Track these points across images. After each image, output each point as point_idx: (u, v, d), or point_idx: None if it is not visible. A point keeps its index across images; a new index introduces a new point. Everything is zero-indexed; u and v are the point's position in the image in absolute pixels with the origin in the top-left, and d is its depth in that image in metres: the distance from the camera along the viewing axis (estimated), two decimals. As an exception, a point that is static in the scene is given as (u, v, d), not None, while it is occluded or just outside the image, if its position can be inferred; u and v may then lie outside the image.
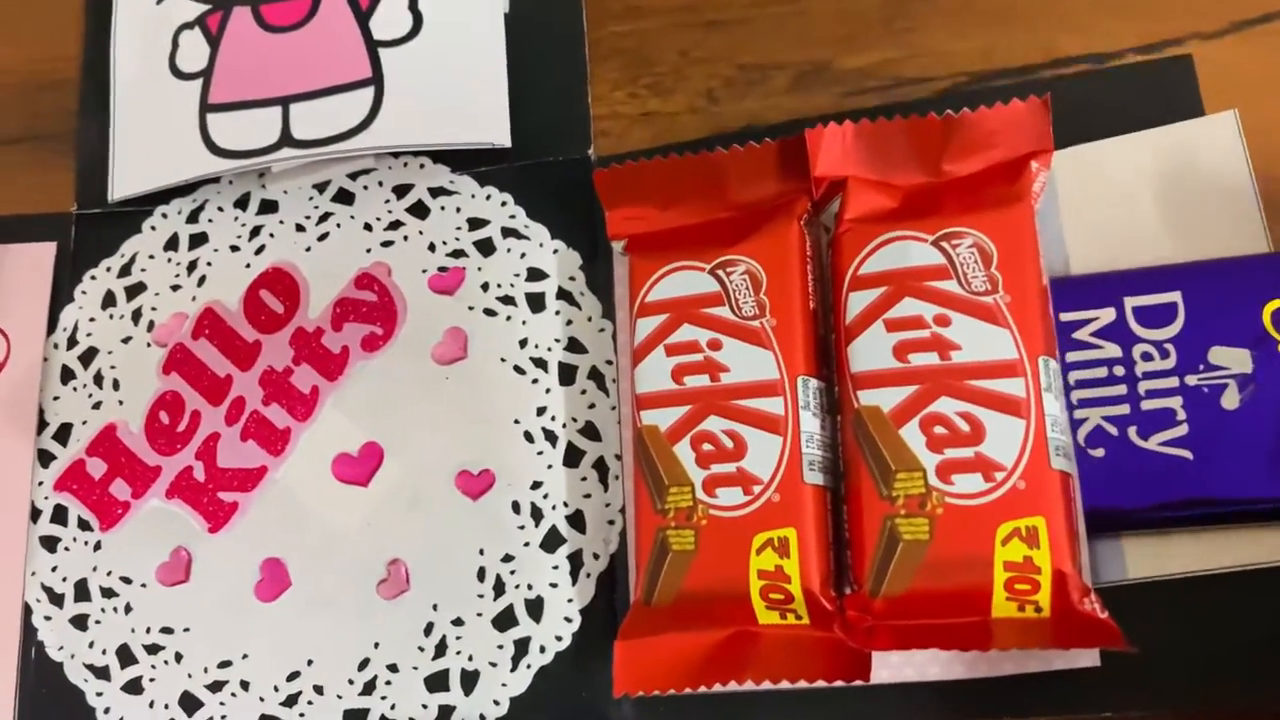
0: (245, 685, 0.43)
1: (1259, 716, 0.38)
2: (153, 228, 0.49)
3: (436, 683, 0.42)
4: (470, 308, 0.45)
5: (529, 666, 0.42)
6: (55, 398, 0.47)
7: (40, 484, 0.46)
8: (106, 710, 0.44)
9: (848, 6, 0.46)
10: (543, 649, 0.42)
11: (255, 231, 0.48)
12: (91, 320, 0.48)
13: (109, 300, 0.48)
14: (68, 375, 0.48)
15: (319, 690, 0.43)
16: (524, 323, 0.45)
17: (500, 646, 0.42)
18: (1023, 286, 0.38)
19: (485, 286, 0.46)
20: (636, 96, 0.47)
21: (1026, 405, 0.37)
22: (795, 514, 0.38)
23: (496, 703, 0.42)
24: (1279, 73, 0.43)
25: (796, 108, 0.45)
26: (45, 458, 0.47)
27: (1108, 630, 0.35)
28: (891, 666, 0.39)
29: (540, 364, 0.44)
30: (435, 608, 0.42)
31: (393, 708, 0.42)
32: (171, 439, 0.43)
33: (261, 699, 0.43)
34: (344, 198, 0.48)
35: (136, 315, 0.48)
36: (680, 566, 0.39)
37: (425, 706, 0.42)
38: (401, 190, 0.47)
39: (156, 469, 0.43)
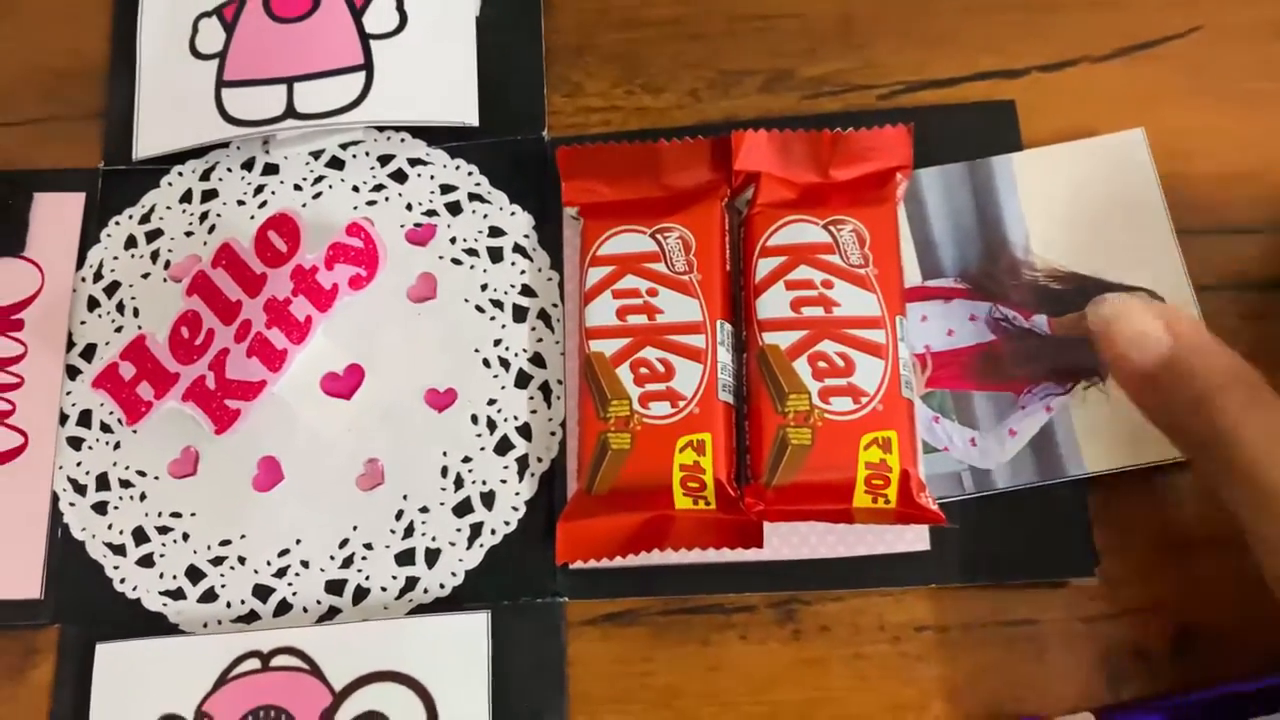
0: (242, 560, 0.47)
1: (1036, 584, 0.45)
2: (170, 184, 0.53)
3: (405, 558, 0.47)
4: (440, 257, 0.51)
5: (482, 545, 0.47)
6: (82, 322, 0.51)
7: (69, 393, 0.50)
8: (122, 580, 0.48)
9: (809, 25, 0.52)
10: (494, 532, 0.47)
11: (259, 190, 0.52)
12: (115, 259, 0.52)
13: (130, 242, 0.52)
14: (93, 304, 0.52)
15: (305, 564, 0.47)
16: (485, 271, 0.50)
17: (459, 529, 0.47)
18: (887, 264, 0.46)
19: (453, 240, 0.51)
20: (633, 93, 0.52)
21: (886, 350, 0.44)
22: (710, 422, 0.44)
23: (454, 574, 0.46)
24: (1160, 91, 0.50)
25: (766, 107, 0.51)
26: (73, 372, 0.51)
27: (935, 515, 0.42)
28: (773, 548, 0.45)
29: (498, 304, 0.50)
30: (405, 498, 0.47)
31: (367, 579, 0.47)
32: (189, 351, 0.47)
33: (256, 571, 0.47)
34: (336, 164, 0.52)
35: (155, 255, 0.52)
36: (617, 462, 0.44)
37: (395, 577, 0.47)
38: (385, 159, 0.52)
39: (176, 375, 0.47)
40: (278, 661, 0.44)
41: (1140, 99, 0.50)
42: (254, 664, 0.44)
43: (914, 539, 0.45)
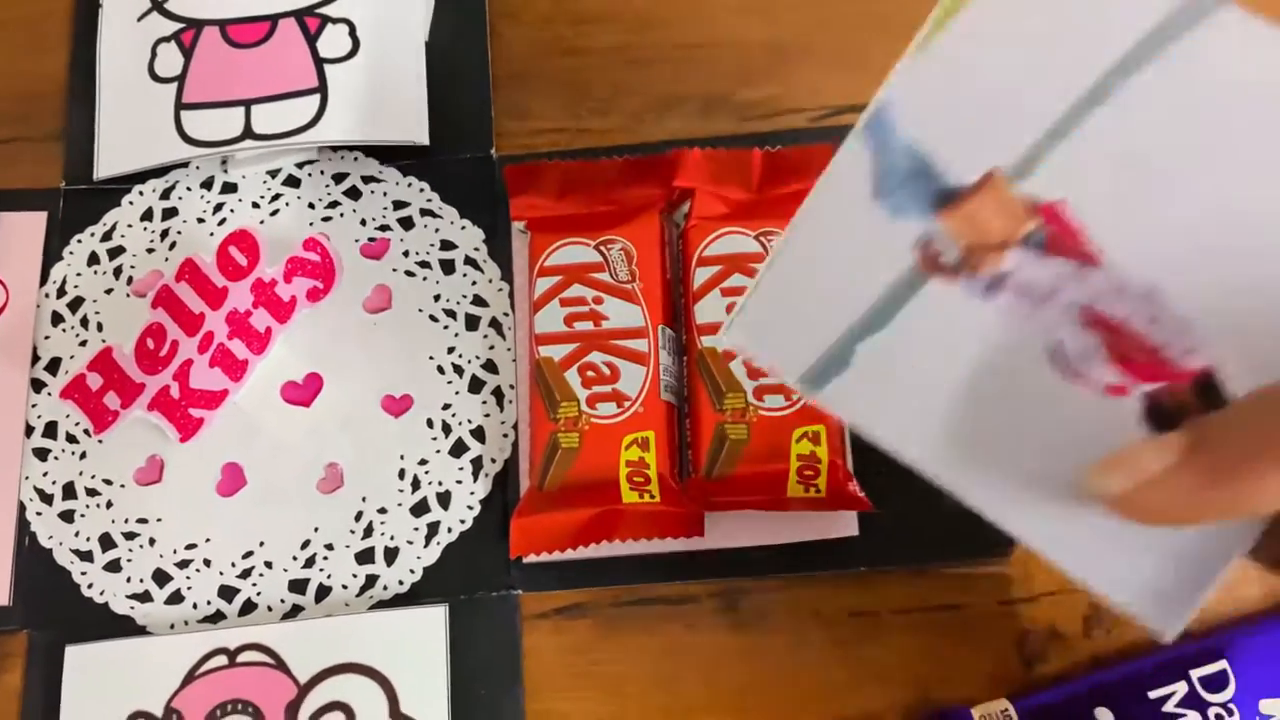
0: (208, 562, 0.49)
1: (959, 570, 0.47)
2: (130, 202, 0.54)
3: (364, 557, 0.48)
4: (394, 269, 0.52)
5: (439, 543, 0.48)
6: (46, 337, 0.52)
7: (34, 405, 0.51)
8: (90, 585, 0.49)
9: (743, 53, 0.55)
10: (450, 530, 0.49)
11: (218, 207, 0.54)
12: (78, 275, 0.53)
13: (93, 259, 0.53)
14: (57, 319, 0.53)
15: (269, 565, 0.48)
16: (438, 282, 0.52)
17: (416, 529, 0.49)
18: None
19: (406, 253, 0.52)
20: (579, 116, 0.54)
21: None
22: (654, 420, 0.46)
23: (412, 571, 0.48)
24: None
25: (705, 129, 0.54)
26: (37, 385, 0.52)
27: (863, 502, 0.45)
28: (714, 539, 0.47)
29: (451, 314, 0.51)
30: (364, 500, 0.49)
31: (329, 577, 0.48)
32: (154, 361, 0.48)
33: (221, 573, 0.48)
34: (292, 182, 0.54)
35: (118, 271, 0.53)
36: (567, 460, 0.46)
37: (355, 575, 0.48)
38: (339, 177, 0.54)
39: (141, 385, 0.48)
40: (244, 657, 0.45)
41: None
42: (221, 660, 0.45)
43: (844, 525, 0.47)
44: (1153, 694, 0.44)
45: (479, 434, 0.50)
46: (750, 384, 0.46)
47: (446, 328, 0.51)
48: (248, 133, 0.52)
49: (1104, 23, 0.29)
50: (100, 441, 0.50)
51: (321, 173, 0.54)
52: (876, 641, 0.47)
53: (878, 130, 0.30)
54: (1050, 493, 0.30)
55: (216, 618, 0.48)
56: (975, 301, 0.30)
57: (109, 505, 0.49)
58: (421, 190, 0.53)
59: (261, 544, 0.48)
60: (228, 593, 0.48)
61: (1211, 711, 0.43)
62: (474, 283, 0.52)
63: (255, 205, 0.53)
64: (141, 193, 0.54)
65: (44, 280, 0.53)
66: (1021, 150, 0.30)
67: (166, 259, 0.53)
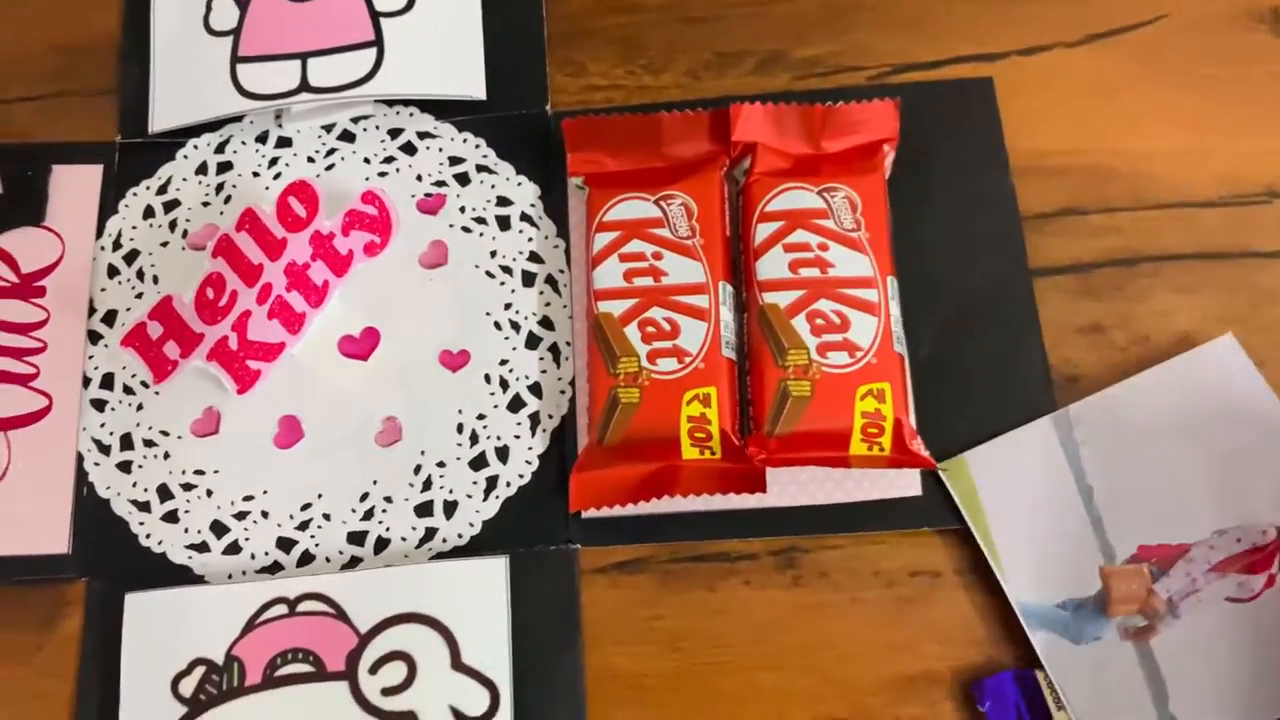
0: (265, 514, 0.48)
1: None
2: (185, 156, 0.54)
3: (423, 510, 0.48)
4: (450, 225, 0.52)
5: (498, 497, 0.48)
6: (102, 289, 0.52)
7: (91, 357, 0.51)
8: (148, 535, 0.49)
9: (798, 10, 0.54)
10: (508, 484, 0.48)
11: (273, 161, 0.53)
12: (134, 228, 0.53)
13: (148, 212, 0.53)
14: (113, 271, 0.52)
15: (327, 517, 0.48)
16: (494, 238, 0.51)
17: (475, 483, 0.48)
18: (878, 228, 0.47)
19: (462, 209, 0.52)
20: (634, 74, 0.54)
21: (879, 307, 0.46)
22: (715, 377, 0.46)
23: (471, 525, 0.48)
24: (1125, 74, 0.53)
25: (760, 86, 0.53)
26: (94, 336, 0.51)
27: (927, 460, 0.44)
28: (774, 496, 0.47)
29: (507, 270, 0.51)
30: (422, 453, 0.48)
31: (387, 530, 0.48)
32: (214, 312, 0.48)
33: (279, 525, 0.48)
34: (347, 137, 0.53)
35: (173, 225, 0.53)
36: (627, 415, 0.46)
37: (414, 528, 0.48)
38: (395, 132, 0.53)
39: (200, 335, 0.47)
40: (304, 607, 0.45)
41: (1108, 82, 0.52)
42: (281, 610, 0.45)
43: (906, 484, 0.47)
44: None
45: (536, 390, 0.49)
46: (813, 340, 0.45)
47: (503, 284, 0.51)
48: (303, 86, 0.52)
49: None
50: (157, 393, 0.50)
51: (376, 127, 0.53)
52: (937, 602, 0.46)
53: None
54: None
55: (274, 569, 0.47)
56: None
57: (166, 456, 0.49)
58: (477, 146, 0.53)
59: (319, 496, 0.48)
60: (286, 544, 0.48)
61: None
62: (530, 239, 0.51)
63: (310, 160, 0.53)
64: (196, 146, 0.54)
65: (99, 233, 0.52)
66: None
67: (222, 212, 0.52)
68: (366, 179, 0.52)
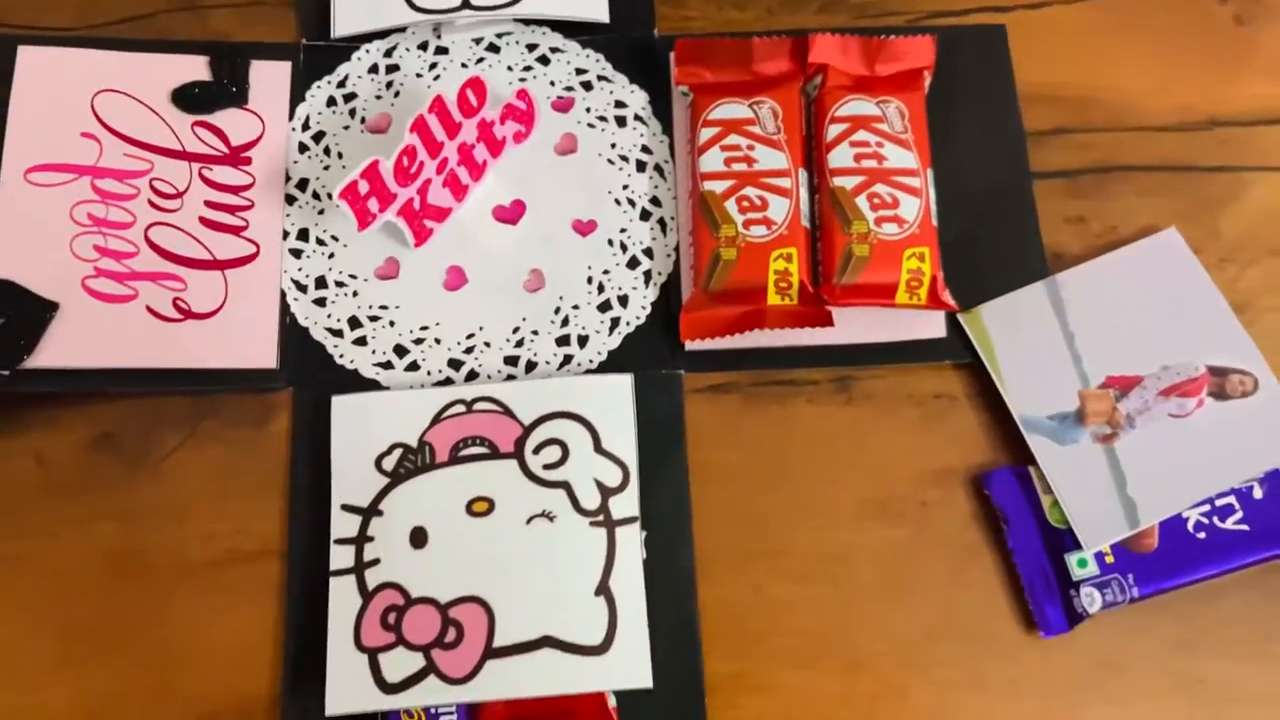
0: (438, 340, 0.61)
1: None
2: (359, 58, 0.66)
3: (562, 341, 0.61)
4: (579, 122, 0.65)
5: (620, 333, 0.62)
6: (295, 161, 0.64)
7: (288, 215, 0.63)
8: (341, 355, 0.61)
9: None
10: (628, 324, 0.62)
11: (432, 66, 0.66)
12: (319, 114, 0.65)
13: (331, 101, 0.65)
14: (303, 148, 0.65)
15: (487, 345, 0.61)
16: (613, 134, 0.65)
17: (602, 321, 0.62)
18: (920, 132, 0.62)
19: (588, 109, 0.65)
20: (722, 9, 0.67)
21: (921, 191, 0.60)
22: (796, 240, 0.60)
23: (599, 353, 0.61)
24: (1108, 26, 0.67)
25: (823, 22, 0.67)
26: (290, 199, 0.64)
27: (951, 306, 0.59)
28: (834, 336, 0.61)
29: (624, 159, 0.64)
30: (561, 298, 0.62)
31: (535, 355, 0.61)
32: (406, 177, 0.60)
33: (449, 349, 0.61)
34: (492, 49, 0.66)
35: (352, 112, 0.65)
36: (726, 269, 0.60)
37: (555, 355, 0.61)
38: (531, 46, 0.66)
39: (394, 195, 0.60)
40: (479, 406, 0.59)
41: (1094, 32, 0.67)
42: (460, 409, 0.59)
43: (933, 329, 0.61)
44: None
45: (648, 253, 0.63)
46: (871, 214, 0.60)
47: (621, 169, 0.64)
48: (466, 4, 0.64)
49: None
50: (345, 245, 0.62)
51: (517, 42, 0.66)
52: (954, 418, 0.61)
53: None
54: None
55: (446, 383, 0.61)
56: None
57: (355, 295, 0.62)
58: (598, 60, 0.66)
59: (481, 328, 0.61)
60: (455, 364, 0.61)
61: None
62: (641, 135, 0.65)
63: (463, 65, 0.66)
64: (368, 50, 0.66)
65: (291, 116, 0.65)
66: None
67: (392, 104, 0.65)
68: (510, 84, 0.65)
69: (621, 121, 0.65)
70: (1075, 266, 0.62)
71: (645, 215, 0.64)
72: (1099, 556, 0.56)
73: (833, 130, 0.62)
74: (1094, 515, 0.57)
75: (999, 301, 0.62)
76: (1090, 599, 0.56)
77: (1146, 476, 0.57)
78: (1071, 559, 0.57)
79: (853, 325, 0.61)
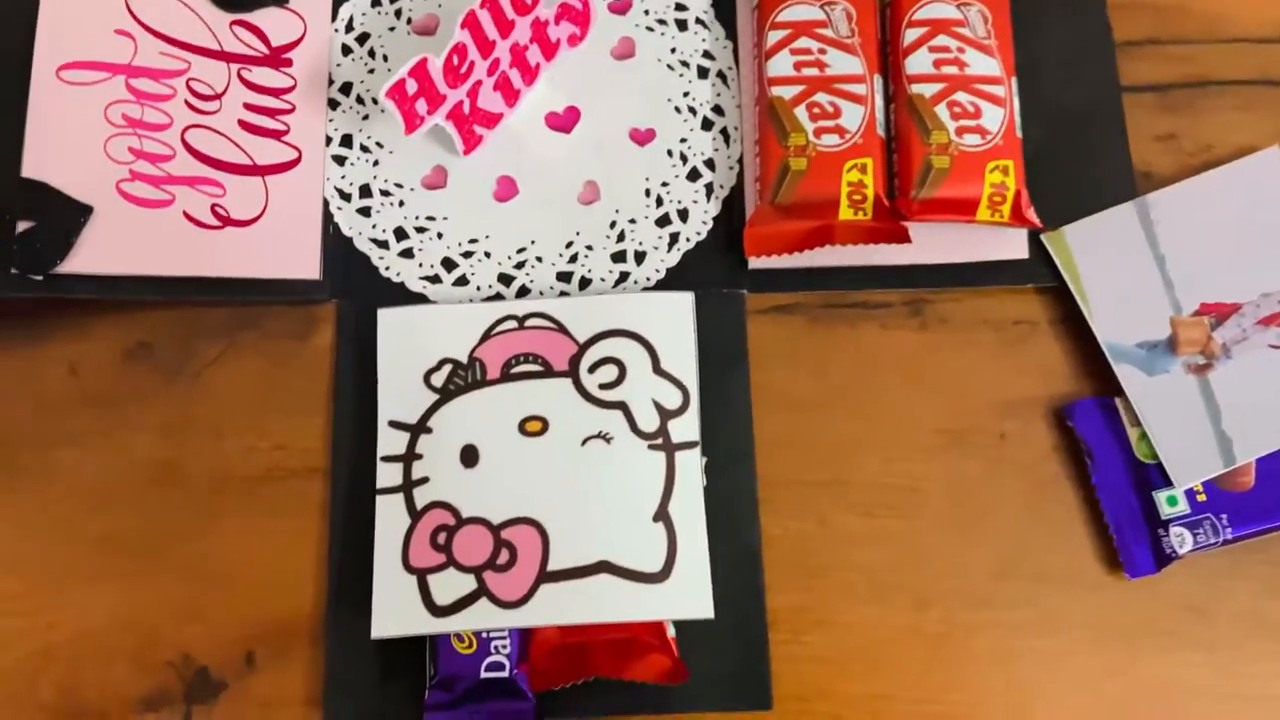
0: (488, 254, 0.58)
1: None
2: (406, -45, 0.62)
3: (618, 257, 0.58)
4: (637, 25, 0.61)
5: (679, 250, 0.58)
6: (338, 65, 0.61)
7: (331, 120, 0.60)
8: (387, 268, 0.58)
9: None
10: (688, 239, 0.58)
11: (484, -31, 0.62)
12: (363, 15, 0.62)
13: (376, 1, 0.62)
14: (347, 50, 0.61)
15: (539, 259, 0.58)
16: (673, 38, 0.61)
17: (660, 237, 0.58)
18: (1004, 38, 0.58)
19: (647, 11, 0.61)
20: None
21: (1005, 101, 0.56)
22: (871, 150, 0.56)
23: (658, 270, 0.58)
24: None
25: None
26: (333, 104, 0.60)
27: (1035, 224, 0.55)
28: (908, 255, 0.57)
29: (685, 65, 0.60)
30: (617, 211, 0.59)
31: (589, 271, 0.58)
32: (456, 77, 0.56)
33: (499, 264, 0.58)
34: (548, -52, 0.62)
35: (398, 13, 0.62)
36: (795, 180, 0.56)
37: (611, 272, 0.58)
38: (589, -52, 0.62)
39: (443, 97, 0.56)
40: (531, 323, 0.55)
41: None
42: (511, 325, 0.55)
43: (1015, 248, 0.58)
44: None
45: (710, 164, 0.59)
46: (952, 124, 0.56)
47: (681, 75, 0.60)
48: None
49: None
50: (391, 152, 0.59)
51: (573, -53, 0.62)
52: (1034, 345, 0.57)
53: None
54: None
55: (496, 299, 0.58)
56: None
57: (401, 204, 0.59)
58: (657, -41, 0.62)
59: (532, 242, 0.58)
60: (505, 279, 0.58)
61: None
62: (703, 40, 0.61)
63: (517, -34, 0.62)
64: (416, -50, 0.62)
65: (334, 17, 0.61)
66: None
67: (440, 5, 0.61)
68: (566, -14, 0.61)
69: (682, 25, 0.61)
70: (1167, 187, 0.58)
71: (707, 125, 0.60)
72: (1190, 494, 0.53)
73: (910, 34, 0.57)
74: (1186, 450, 0.53)
75: (1085, 222, 0.58)
76: (1180, 539, 0.52)
77: (1243, 410, 0.54)
78: (1161, 496, 0.53)
79: (928, 244, 0.58)
